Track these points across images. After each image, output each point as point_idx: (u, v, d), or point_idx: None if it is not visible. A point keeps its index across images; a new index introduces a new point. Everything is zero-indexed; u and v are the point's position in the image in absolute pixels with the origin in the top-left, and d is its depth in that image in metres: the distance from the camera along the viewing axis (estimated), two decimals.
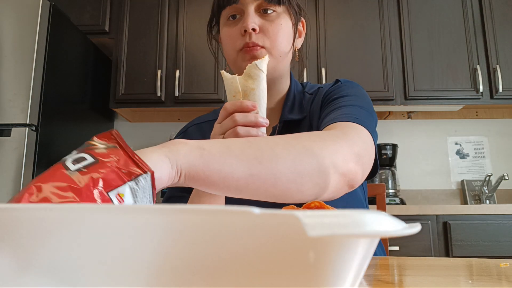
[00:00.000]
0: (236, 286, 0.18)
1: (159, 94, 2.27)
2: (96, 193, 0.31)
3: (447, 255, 1.84)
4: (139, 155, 0.37)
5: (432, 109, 2.39)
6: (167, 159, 0.38)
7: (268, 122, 0.58)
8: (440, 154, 2.50)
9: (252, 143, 0.46)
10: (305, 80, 2.18)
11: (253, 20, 0.70)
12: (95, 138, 0.35)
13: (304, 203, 0.37)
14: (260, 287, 0.18)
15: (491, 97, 2.23)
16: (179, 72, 2.29)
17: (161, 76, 2.29)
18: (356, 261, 0.20)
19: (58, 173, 0.31)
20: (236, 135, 0.56)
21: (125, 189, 0.32)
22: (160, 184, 0.38)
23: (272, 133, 0.78)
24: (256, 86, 0.58)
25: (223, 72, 0.60)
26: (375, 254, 0.79)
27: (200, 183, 0.42)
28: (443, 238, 1.85)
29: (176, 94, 2.26)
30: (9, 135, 1.70)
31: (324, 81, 2.24)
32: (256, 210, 0.17)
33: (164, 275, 0.18)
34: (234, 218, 0.17)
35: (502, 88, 2.20)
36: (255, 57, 0.71)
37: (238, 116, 0.56)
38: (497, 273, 0.40)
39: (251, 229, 0.17)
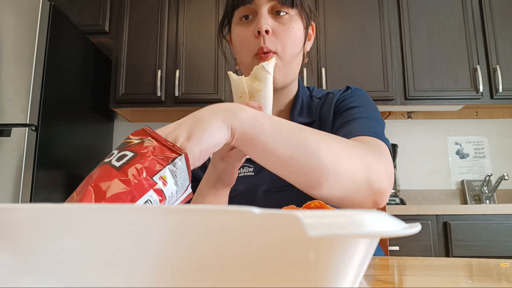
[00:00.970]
0: (236, 286, 0.18)
1: (159, 94, 2.27)
2: (143, 180, 0.35)
3: (447, 255, 1.84)
4: (198, 120, 0.42)
5: (432, 109, 2.39)
6: (224, 124, 0.43)
7: None
8: (440, 154, 2.50)
9: (302, 130, 0.50)
10: (305, 81, 2.19)
11: (266, 22, 0.71)
12: (130, 136, 0.40)
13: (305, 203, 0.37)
14: (260, 287, 0.18)
15: (491, 97, 2.23)
16: (179, 72, 2.29)
17: (161, 76, 2.29)
18: (356, 261, 0.20)
19: (107, 171, 0.35)
20: None
21: (166, 172, 0.37)
22: (219, 146, 0.43)
23: None
24: (262, 88, 0.58)
25: (230, 73, 0.60)
26: (374, 254, 0.79)
27: (246, 148, 0.47)
28: (443, 238, 1.85)
29: (176, 94, 2.26)
30: (9, 135, 1.70)
31: (324, 81, 2.24)
32: (256, 210, 0.17)
33: (164, 275, 0.18)
34: (234, 218, 0.17)
35: (502, 88, 2.20)
36: None
37: None
38: (497, 273, 0.40)
39: (251, 229, 0.17)
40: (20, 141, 1.70)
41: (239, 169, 0.78)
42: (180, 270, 0.18)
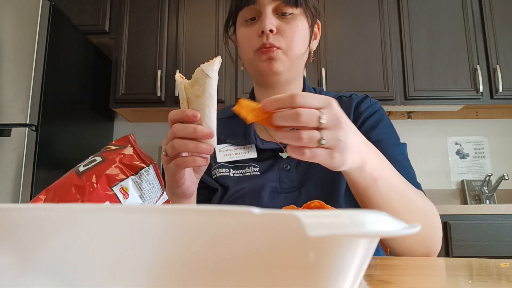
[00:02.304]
0: (236, 286, 0.18)
1: (159, 94, 2.27)
2: (98, 188, 0.32)
3: (447, 255, 1.84)
4: (353, 133, 0.47)
5: (432, 109, 2.39)
6: (361, 158, 0.48)
7: (213, 133, 0.52)
8: (440, 154, 2.50)
9: (409, 196, 0.57)
10: None
11: (271, 21, 0.70)
12: (112, 142, 0.38)
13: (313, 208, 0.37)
14: (260, 287, 0.18)
15: (491, 97, 2.23)
16: (179, 72, 2.29)
17: (161, 76, 2.29)
18: (356, 261, 0.20)
19: (69, 177, 0.34)
20: (174, 148, 0.51)
21: (128, 183, 0.34)
22: (343, 166, 0.47)
23: None
24: (201, 93, 0.51)
25: (176, 75, 0.55)
26: (374, 254, 0.79)
27: (353, 189, 0.55)
28: (443, 238, 1.85)
29: (176, 94, 2.26)
30: (9, 135, 1.70)
31: (324, 81, 2.24)
32: (256, 210, 0.17)
33: (164, 275, 0.18)
34: (234, 218, 0.17)
35: (502, 88, 2.20)
36: (272, 58, 0.71)
37: (176, 127, 0.52)
38: (497, 273, 0.40)
39: (251, 229, 0.17)
40: (20, 141, 1.69)
41: (244, 168, 0.76)
42: (179, 270, 0.18)
